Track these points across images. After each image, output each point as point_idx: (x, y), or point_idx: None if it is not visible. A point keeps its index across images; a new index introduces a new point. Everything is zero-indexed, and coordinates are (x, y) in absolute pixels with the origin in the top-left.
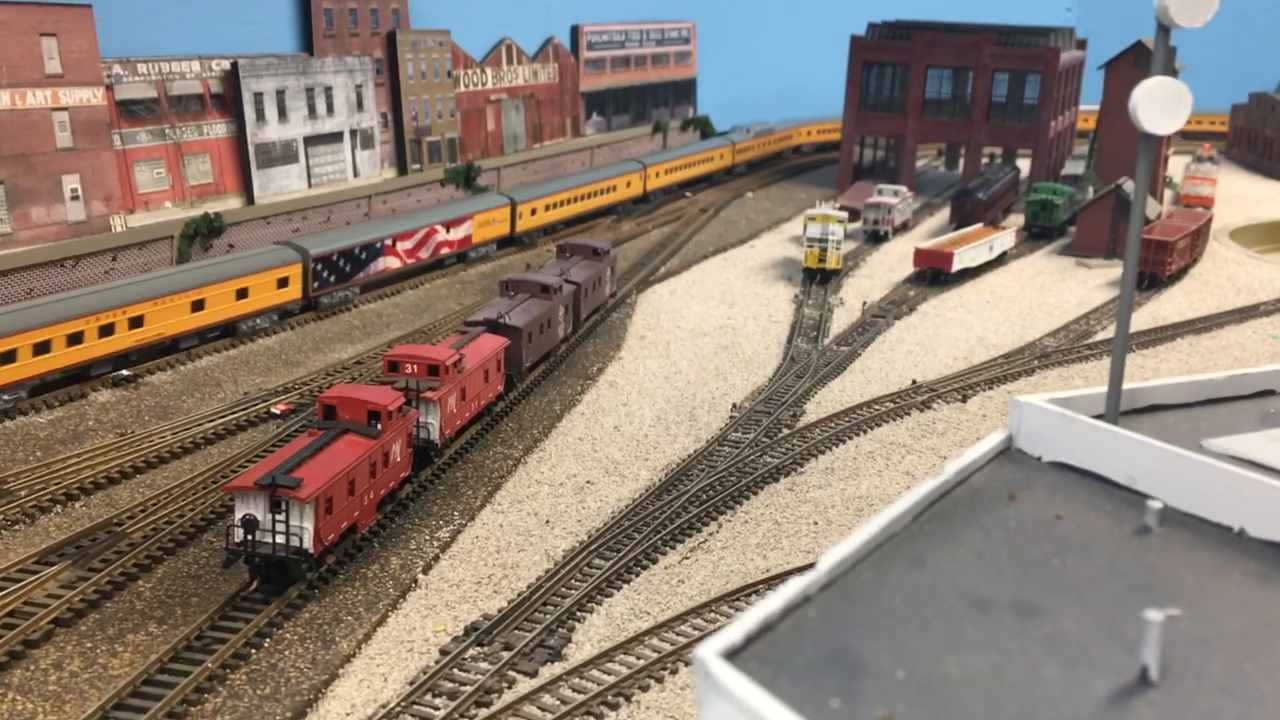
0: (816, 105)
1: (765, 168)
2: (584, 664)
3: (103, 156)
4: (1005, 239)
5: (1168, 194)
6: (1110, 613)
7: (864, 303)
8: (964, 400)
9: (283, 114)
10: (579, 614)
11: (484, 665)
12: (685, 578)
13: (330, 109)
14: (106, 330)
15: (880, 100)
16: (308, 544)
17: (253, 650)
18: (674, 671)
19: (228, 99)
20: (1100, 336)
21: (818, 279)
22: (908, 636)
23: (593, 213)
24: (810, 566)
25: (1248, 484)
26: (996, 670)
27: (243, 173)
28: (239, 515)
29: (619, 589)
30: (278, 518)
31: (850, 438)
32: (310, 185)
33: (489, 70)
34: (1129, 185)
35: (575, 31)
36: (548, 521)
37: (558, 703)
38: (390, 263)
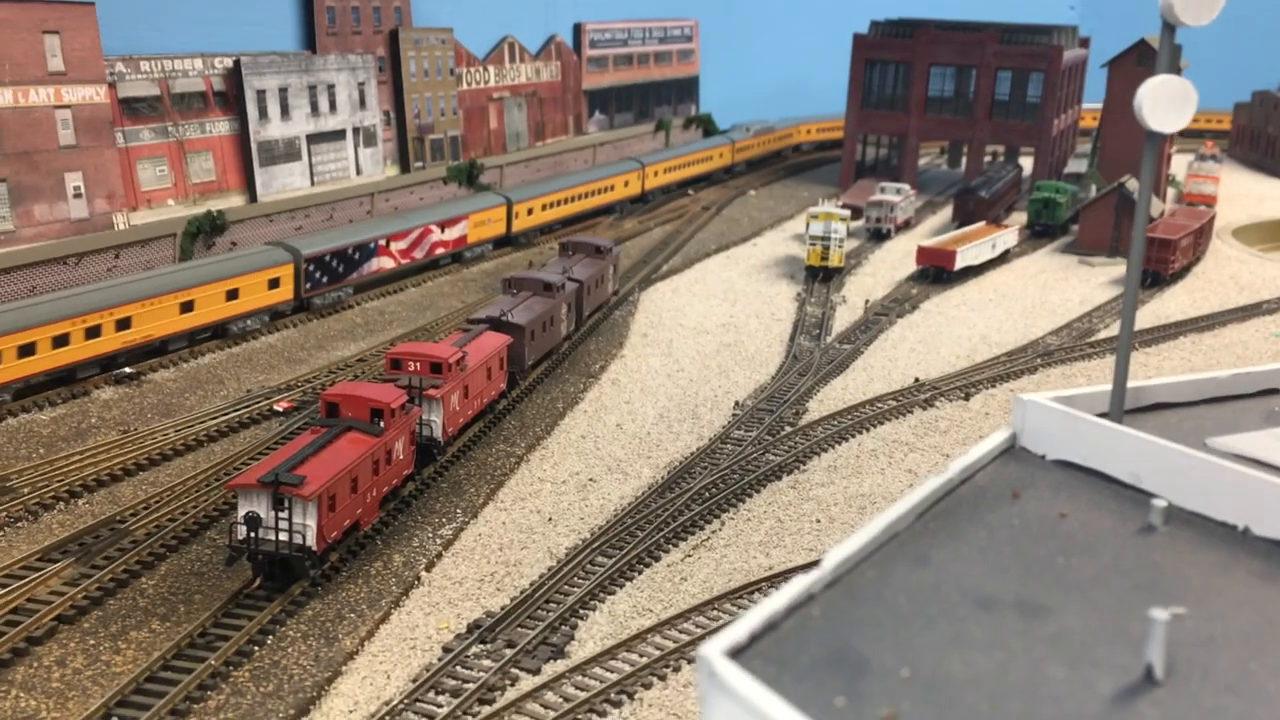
0: (819, 103)
1: (765, 166)
2: (587, 661)
3: (105, 154)
4: (1008, 237)
5: (1170, 192)
6: (1115, 611)
7: (866, 301)
8: (967, 398)
9: (285, 112)
10: (582, 611)
11: (487, 663)
12: (688, 575)
13: (333, 107)
14: (93, 332)
15: (883, 98)
16: (311, 541)
17: (256, 647)
18: (677, 669)
19: (230, 97)
20: (1103, 334)
21: (820, 277)
22: (912, 635)
23: (590, 212)
24: (813, 564)
25: (1252, 482)
26: (1001, 669)
27: (245, 170)
28: (242, 513)
29: (622, 586)
30: (281, 515)
31: (853, 435)
32: (313, 183)
33: (491, 68)
34: (1132, 183)
35: (578, 29)
36: (550, 519)
37: (561, 700)
38: (384, 263)
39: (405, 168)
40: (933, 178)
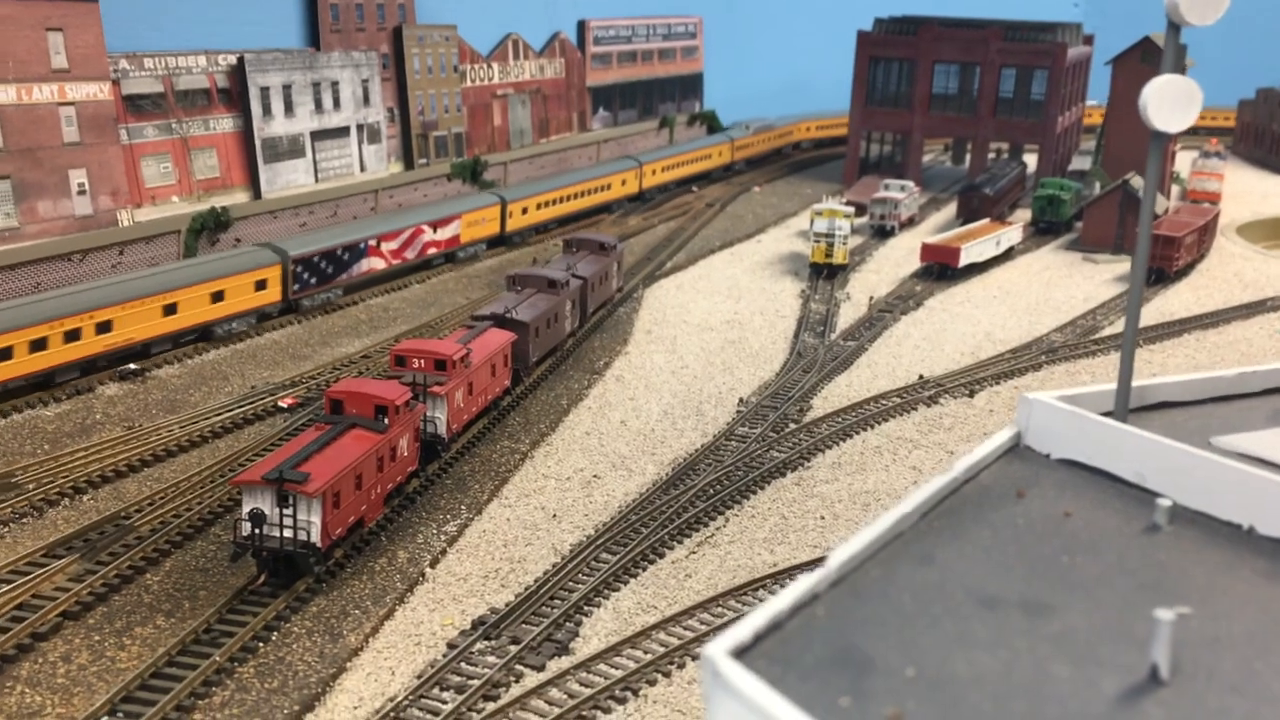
0: (823, 100)
1: (766, 164)
2: (591, 658)
3: (109, 151)
4: (1012, 234)
5: (1174, 189)
6: (1119, 610)
7: (871, 298)
8: (971, 395)
9: (289, 109)
10: (586, 608)
11: (491, 659)
12: (692, 572)
13: (337, 104)
14: (72, 336)
15: (887, 95)
16: (315, 538)
17: (260, 644)
18: (681, 666)
19: (234, 94)
20: (1107, 332)
21: (824, 274)
22: (916, 634)
23: (586, 212)
24: (818, 562)
25: (1257, 481)
26: (1005, 668)
27: (249, 167)
28: (246, 509)
29: (626, 583)
30: (285, 512)
31: (857, 433)
32: (317, 180)
33: (495, 65)
34: (1136, 181)
35: (581, 26)
36: (555, 516)
37: (565, 697)
38: (375, 264)
39: (409, 164)
40: (937, 175)
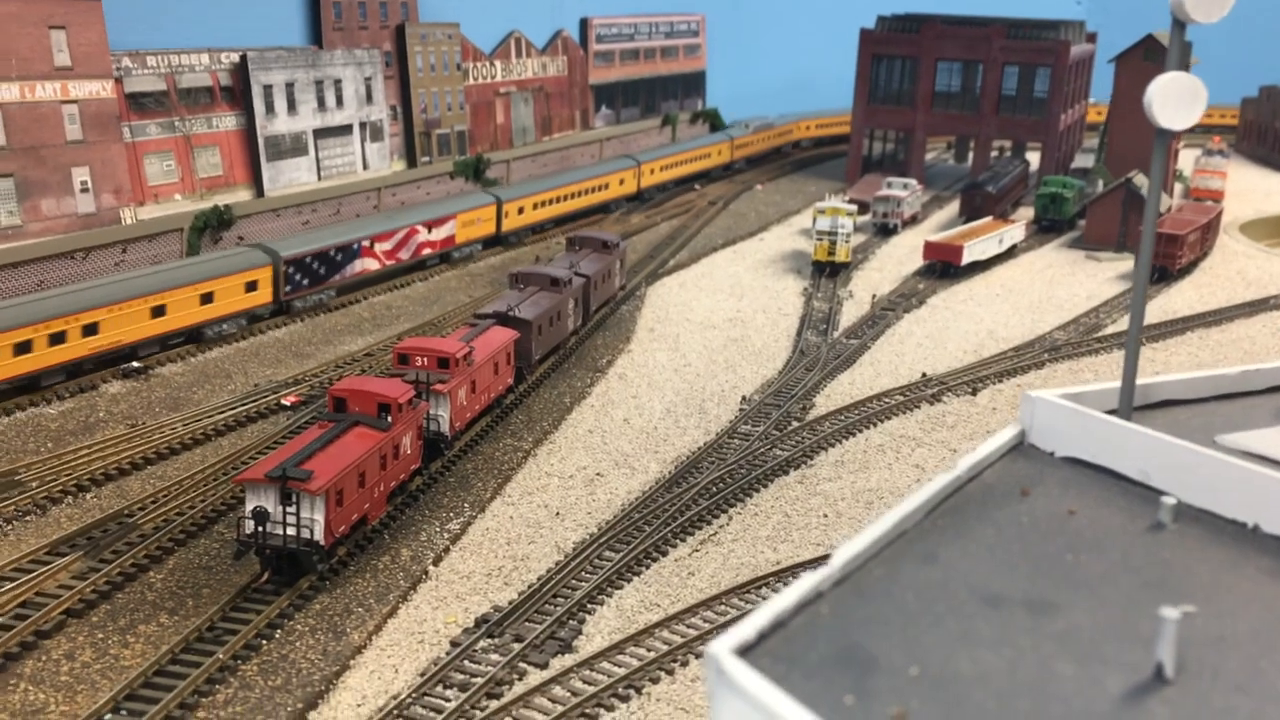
0: (826, 99)
1: (766, 163)
2: (594, 656)
3: (112, 149)
4: (1015, 232)
5: (1178, 187)
6: (1124, 609)
7: (873, 296)
8: (974, 393)
9: (292, 106)
10: (589, 606)
11: (494, 657)
12: (695, 570)
13: (340, 101)
14: (58, 338)
15: (890, 93)
16: (318, 536)
17: (264, 641)
18: (684, 664)
19: (237, 92)
20: (1110, 330)
21: (827, 272)
22: (920, 633)
23: (583, 211)
24: (821, 560)
25: (1262, 479)
26: (1010, 667)
27: (252, 165)
28: (250, 507)
29: (629, 581)
30: (288, 510)
31: (860, 430)
32: (320, 178)
33: (498, 63)
34: (1139, 179)
35: (584, 24)
36: (558, 514)
37: (568, 694)
38: (368, 264)
39: (412, 162)
40: (939, 173)
